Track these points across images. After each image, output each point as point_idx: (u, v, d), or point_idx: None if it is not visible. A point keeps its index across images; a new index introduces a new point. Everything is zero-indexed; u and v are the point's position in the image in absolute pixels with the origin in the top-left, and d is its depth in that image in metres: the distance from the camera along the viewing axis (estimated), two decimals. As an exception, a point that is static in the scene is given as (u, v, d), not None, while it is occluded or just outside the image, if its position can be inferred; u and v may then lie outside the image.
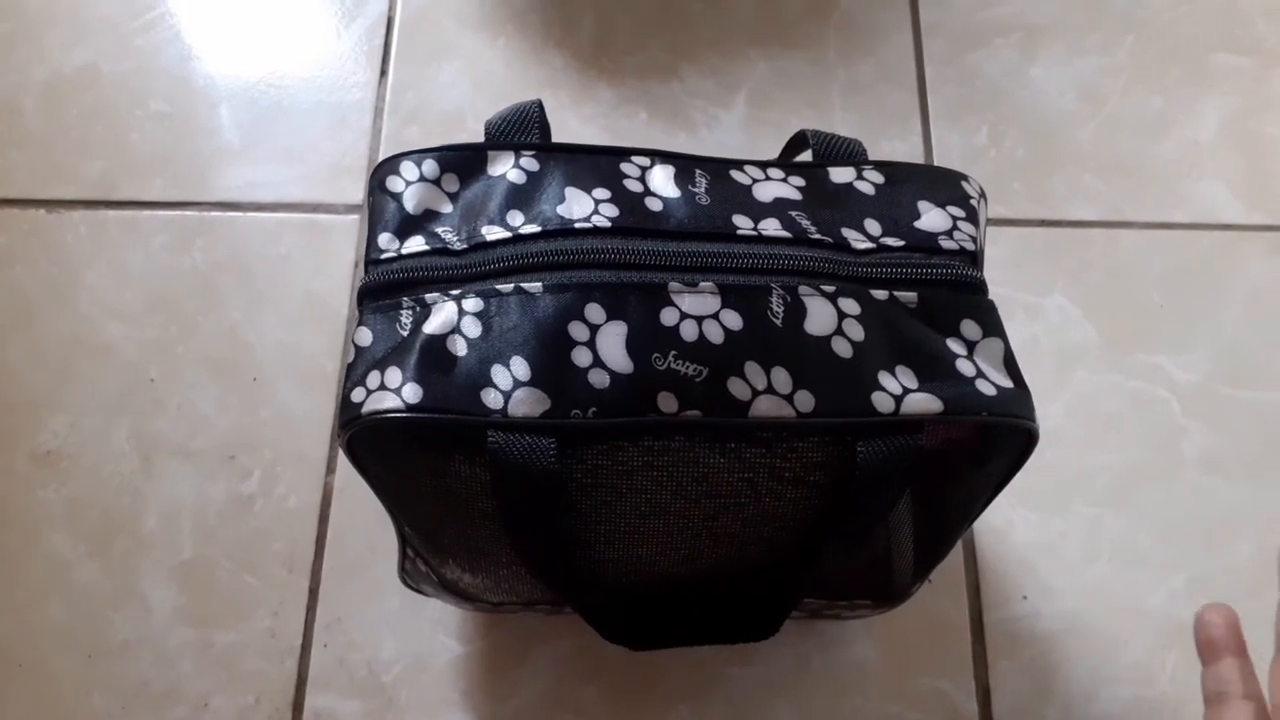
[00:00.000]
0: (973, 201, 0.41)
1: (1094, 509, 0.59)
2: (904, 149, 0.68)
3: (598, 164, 0.40)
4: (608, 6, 0.72)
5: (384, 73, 0.70)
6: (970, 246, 0.40)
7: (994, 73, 0.71)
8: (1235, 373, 0.62)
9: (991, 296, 0.40)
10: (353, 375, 0.37)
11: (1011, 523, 0.58)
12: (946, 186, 0.41)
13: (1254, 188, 0.67)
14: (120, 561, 0.57)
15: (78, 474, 0.59)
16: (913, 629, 0.56)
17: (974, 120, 0.69)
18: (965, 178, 0.42)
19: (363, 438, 0.37)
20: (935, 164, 0.68)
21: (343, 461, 0.59)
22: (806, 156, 0.44)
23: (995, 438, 0.38)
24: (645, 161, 0.40)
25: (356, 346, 0.38)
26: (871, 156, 0.43)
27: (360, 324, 0.38)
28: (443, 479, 0.38)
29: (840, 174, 0.42)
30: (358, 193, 0.66)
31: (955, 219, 0.40)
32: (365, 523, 0.58)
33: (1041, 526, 0.58)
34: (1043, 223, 0.66)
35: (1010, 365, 0.38)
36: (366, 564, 0.57)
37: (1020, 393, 0.38)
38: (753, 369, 0.36)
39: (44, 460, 0.59)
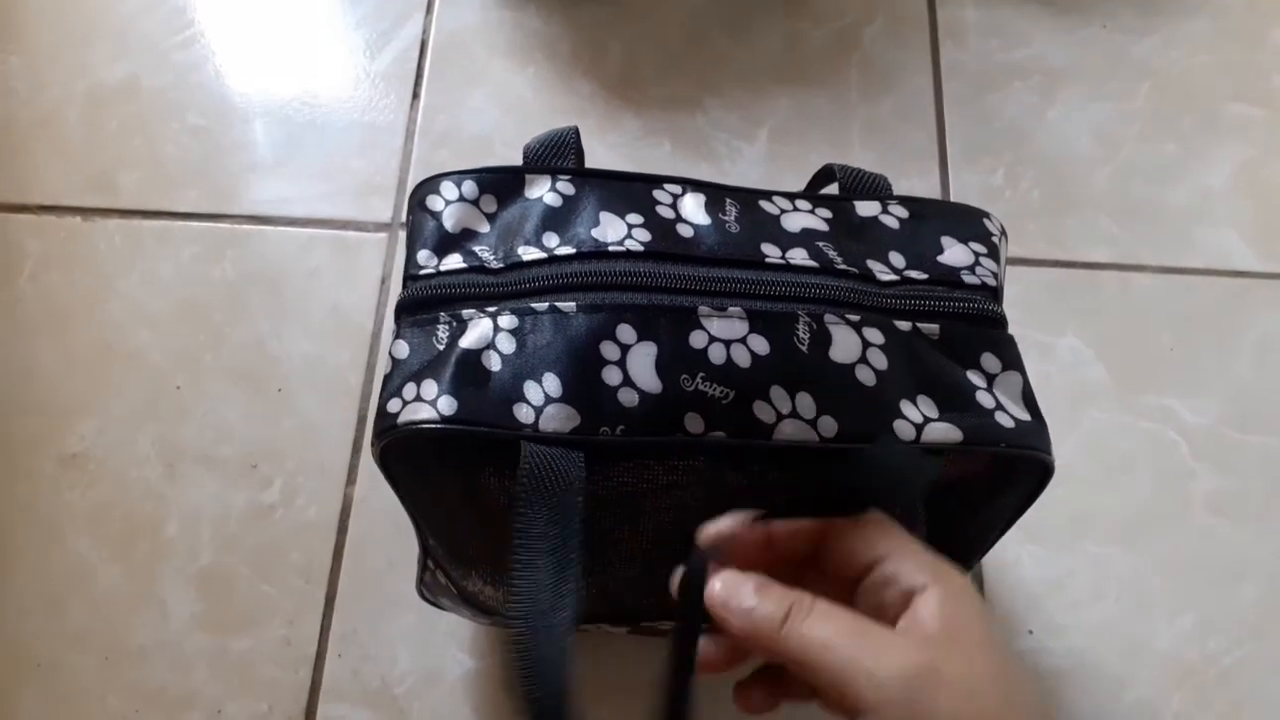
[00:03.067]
0: (994, 239, 0.42)
1: (1102, 547, 0.60)
2: (922, 187, 0.70)
3: (631, 190, 0.41)
4: (636, 39, 0.74)
5: (416, 95, 0.71)
6: (991, 282, 0.41)
7: (1012, 115, 0.72)
8: (1244, 417, 0.63)
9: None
10: (389, 386, 0.38)
11: (1019, 558, 0.59)
12: (969, 223, 0.42)
13: (1266, 236, 0.68)
14: (141, 566, 0.58)
15: (103, 478, 0.60)
16: (920, 660, 0.56)
17: (991, 161, 0.71)
18: (987, 215, 0.43)
19: (396, 448, 0.38)
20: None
21: (363, 473, 0.60)
22: (833, 190, 0.45)
23: (1012, 469, 0.39)
24: (677, 189, 0.42)
25: (393, 359, 0.39)
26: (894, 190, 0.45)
27: (398, 337, 0.39)
28: (473, 491, 0.39)
29: (866, 208, 0.43)
30: (387, 211, 0.67)
31: (977, 255, 0.41)
32: (383, 535, 0.59)
33: (1050, 563, 0.59)
34: (1057, 263, 0.67)
35: (1028, 399, 0.39)
36: (383, 576, 0.58)
37: (1038, 426, 0.39)
38: (778, 393, 0.37)
39: (70, 463, 0.60)
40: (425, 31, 0.74)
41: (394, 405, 0.37)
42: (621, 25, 0.74)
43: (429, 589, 0.49)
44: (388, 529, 0.59)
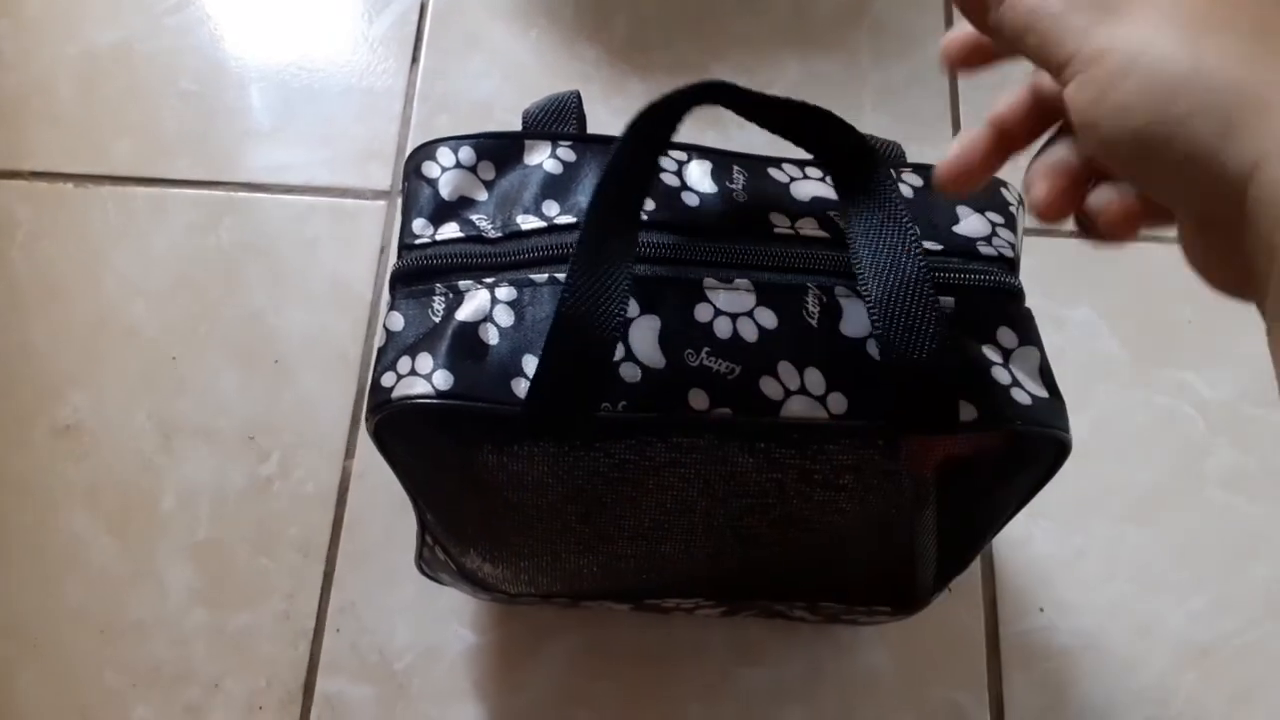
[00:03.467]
0: (1011, 209, 0.41)
1: (1115, 525, 0.58)
2: (934, 154, 0.67)
3: None
4: (641, 3, 0.72)
5: (415, 60, 0.70)
6: (1009, 253, 0.39)
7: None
8: (1264, 392, 0.61)
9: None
10: (383, 360, 0.37)
11: (1031, 535, 0.58)
12: (985, 192, 0.41)
13: (1287, 207, 0.66)
14: (137, 540, 0.57)
15: (97, 450, 0.59)
16: (927, 638, 0.56)
17: (1006, 129, 0.69)
18: (1005, 184, 0.41)
19: (391, 422, 0.37)
20: (966, 171, 0.67)
21: (361, 447, 0.59)
22: None
23: (1027, 447, 0.38)
24: (682, 156, 0.40)
25: (388, 331, 0.38)
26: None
27: (392, 308, 0.38)
28: (470, 467, 0.38)
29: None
30: (386, 179, 0.66)
31: (994, 225, 0.40)
32: (382, 509, 0.58)
33: (1061, 540, 0.58)
34: (1072, 233, 0.66)
35: (1045, 374, 0.38)
36: (382, 550, 0.57)
37: (1055, 402, 0.37)
38: (786, 369, 0.36)
39: (64, 434, 0.59)
40: (425, -6, 0.72)
41: (388, 379, 0.36)
42: (626, -13, 0.72)
43: (428, 564, 0.48)
44: (386, 503, 0.58)
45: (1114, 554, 0.58)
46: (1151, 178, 0.26)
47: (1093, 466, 0.59)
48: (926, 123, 0.69)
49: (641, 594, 0.47)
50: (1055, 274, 0.64)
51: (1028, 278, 0.63)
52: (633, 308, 0.36)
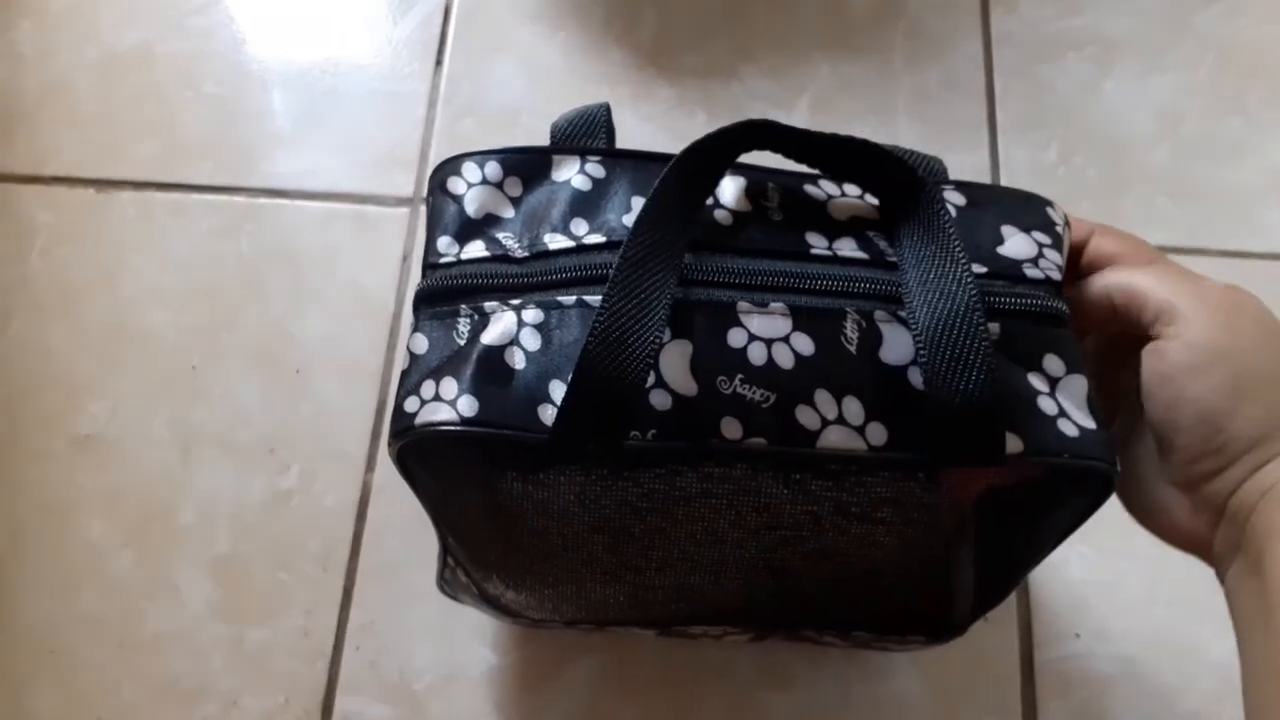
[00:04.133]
0: (1058, 229, 0.39)
1: (1155, 549, 0.56)
2: (970, 162, 0.66)
3: None
4: (670, 5, 0.70)
5: (439, 63, 0.68)
6: (1055, 276, 0.38)
7: (1066, 87, 0.68)
8: (1310, 412, 0.60)
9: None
10: (406, 384, 0.36)
11: (1068, 559, 0.56)
12: (1031, 211, 0.39)
13: (1336, 219, 0.64)
14: (155, 552, 0.56)
15: (116, 461, 0.58)
16: (960, 663, 0.54)
17: (1043, 135, 0.67)
18: (1050, 204, 0.40)
19: (414, 449, 0.35)
20: (1002, 180, 0.66)
21: (382, 460, 0.58)
22: None
23: (1073, 480, 0.36)
24: None
25: (411, 354, 0.36)
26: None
27: (416, 330, 0.37)
28: (494, 495, 0.37)
29: None
30: (409, 185, 0.65)
31: (1041, 246, 0.38)
32: (404, 523, 0.57)
33: (1100, 565, 0.56)
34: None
35: (1093, 405, 0.36)
36: (403, 566, 0.56)
37: (1103, 435, 0.36)
38: (823, 397, 0.34)
39: (83, 444, 0.59)
40: (450, -5, 0.71)
41: (412, 404, 0.35)
42: (654, -11, 0.71)
43: (450, 585, 0.47)
44: (408, 518, 0.57)
45: (1154, 579, 0.56)
46: (1179, 429, 0.35)
47: (1132, 488, 0.57)
48: (963, 128, 0.67)
49: (668, 622, 0.46)
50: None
51: (1066, 291, 0.62)
52: (663, 332, 0.34)
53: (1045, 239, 0.38)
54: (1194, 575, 0.56)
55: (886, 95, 0.68)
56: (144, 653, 0.55)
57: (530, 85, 0.68)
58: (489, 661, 0.54)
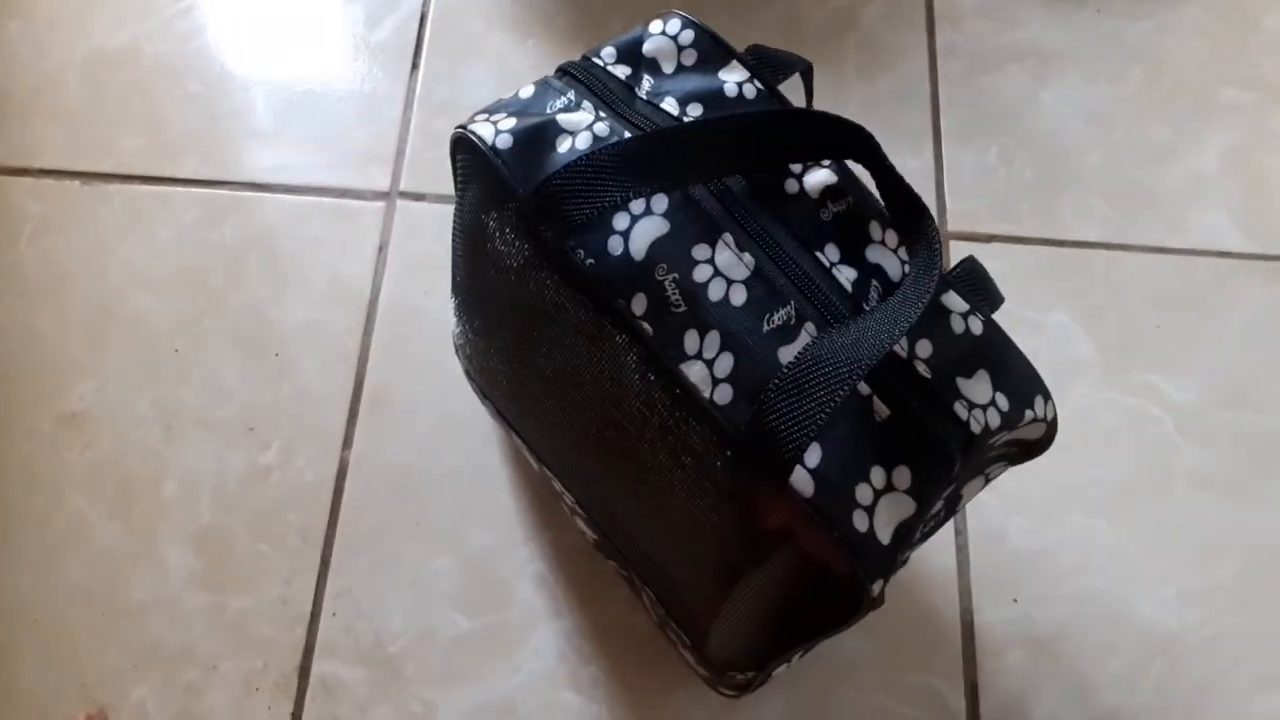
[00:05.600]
0: (1028, 413, 0.39)
1: (1088, 519, 0.61)
2: (915, 165, 0.71)
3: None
4: (636, 15, 0.74)
5: (415, 66, 0.72)
6: (976, 430, 0.38)
7: (1006, 96, 0.73)
8: (1228, 395, 0.64)
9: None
10: (492, 105, 0.43)
11: (1006, 530, 0.60)
12: (1021, 382, 0.40)
13: (1254, 218, 0.69)
14: (140, 525, 0.59)
15: (102, 438, 0.61)
16: (905, 625, 0.58)
17: (985, 141, 0.71)
18: (1048, 397, 0.40)
19: (456, 140, 0.43)
20: (945, 182, 0.70)
21: (359, 437, 0.61)
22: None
23: (838, 580, 0.37)
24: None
25: (516, 92, 0.44)
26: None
27: (535, 82, 0.44)
28: (476, 225, 0.44)
29: (952, 300, 0.40)
30: (385, 180, 0.68)
31: (996, 406, 0.38)
32: (378, 498, 0.59)
33: (1035, 534, 0.60)
34: (1048, 242, 0.68)
35: (902, 532, 0.36)
36: (379, 537, 0.59)
37: (886, 552, 0.36)
38: (712, 338, 0.38)
39: (69, 422, 0.61)
40: (425, 3, 0.74)
41: (480, 116, 0.42)
42: (621, 1, 0.75)
43: (460, 351, 0.54)
44: (383, 492, 0.59)
45: (1086, 547, 0.60)
46: None
47: (1066, 464, 0.61)
48: (910, 134, 0.71)
49: (537, 451, 0.51)
50: (1032, 281, 0.67)
51: (1006, 283, 0.65)
52: (661, 204, 0.39)
53: (1005, 405, 0.39)
54: (1122, 542, 0.60)
55: (839, 102, 0.73)
56: (128, 621, 0.57)
57: (502, 87, 0.71)
58: (460, 626, 0.57)
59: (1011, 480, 0.58)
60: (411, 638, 0.57)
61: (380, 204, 0.67)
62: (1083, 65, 0.74)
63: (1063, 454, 0.61)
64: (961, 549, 0.60)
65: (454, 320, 0.52)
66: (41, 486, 0.59)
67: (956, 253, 0.67)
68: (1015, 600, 0.59)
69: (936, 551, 0.59)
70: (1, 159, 0.68)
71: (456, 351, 0.55)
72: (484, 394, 0.55)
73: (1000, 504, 0.60)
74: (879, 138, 0.70)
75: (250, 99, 0.70)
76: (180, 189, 0.67)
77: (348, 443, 0.61)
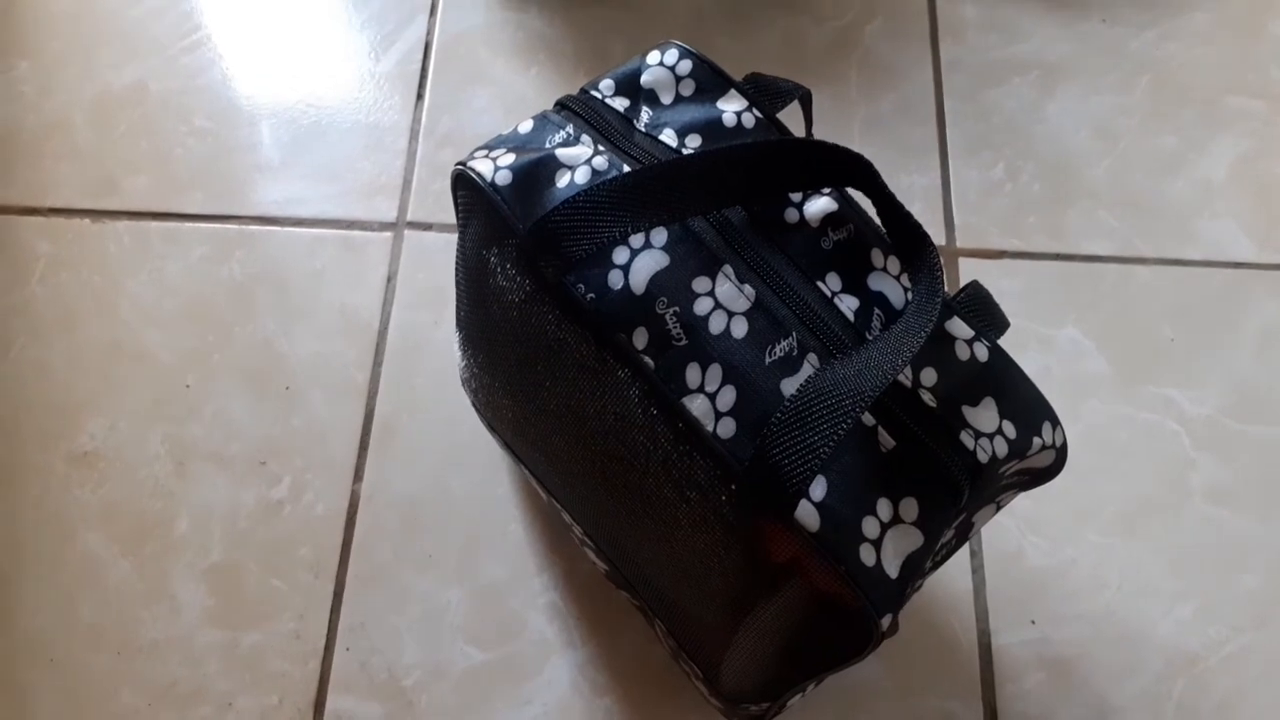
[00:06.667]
0: (1036, 440, 0.39)
1: (1104, 537, 0.60)
2: (922, 182, 0.70)
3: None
4: (638, 39, 0.74)
5: (420, 97, 0.72)
6: (984, 460, 0.38)
7: (1012, 109, 0.73)
8: (1244, 408, 0.63)
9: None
10: (491, 141, 0.44)
11: (1022, 549, 0.60)
12: (1029, 409, 0.39)
13: (1265, 227, 0.69)
14: (152, 562, 0.59)
15: (113, 476, 0.61)
16: (921, 649, 0.57)
17: (991, 155, 0.71)
18: (1056, 423, 0.40)
19: (456, 177, 0.44)
20: (953, 196, 0.69)
21: (370, 470, 0.61)
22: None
23: (848, 614, 0.37)
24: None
25: (516, 129, 0.44)
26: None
27: (534, 117, 0.44)
28: (476, 257, 0.44)
29: (956, 326, 0.40)
30: (392, 211, 0.68)
31: (1002, 433, 0.38)
32: (390, 531, 0.59)
33: (1052, 553, 0.59)
34: (1057, 256, 0.68)
35: (910, 566, 0.36)
36: (390, 571, 0.59)
37: (894, 587, 0.36)
38: (714, 372, 0.38)
39: (81, 461, 0.61)
40: (429, 33, 0.75)
41: (479, 153, 0.43)
42: (624, 26, 0.75)
43: (465, 384, 0.54)
44: (394, 524, 0.59)
45: (1103, 566, 0.59)
46: None
47: (1081, 481, 0.61)
48: (916, 151, 0.71)
49: (545, 483, 0.51)
50: (1042, 296, 0.66)
51: (1016, 299, 0.66)
52: (660, 238, 0.39)
53: (1013, 433, 0.38)
54: (1140, 560, 0.59)
55: (843, 121, 0.73)
56: (142, 659, 0.57)
57: (507, 116, 0.72)
58: (473, 658, 0.57)
59: (1026, 499, 0.58)
60: (425, 670, 0.56)
61: (388, 235, 0.68)
62: (1088, 76, 0.74)
63: (1078, 471, 0.61)
64: (977, 570, 0.59)
65: (459, 354, 0.52)
66: (54, 525, 0.60)
67: (965, 269, 0.66)
68: (1033, 622, 0.58)
69: (953, 574, 0.59)
70: (11, 199, 0.68)
71: (463, 385, 0.55)
72: (491, 427, 0.55)
73: (1015, 524, 0.60)
74: (884, 156, 0.71)
75: (257, 133, 0.71)
76: (188, 224, 0.68)
77: (359, 475, 0.61)
